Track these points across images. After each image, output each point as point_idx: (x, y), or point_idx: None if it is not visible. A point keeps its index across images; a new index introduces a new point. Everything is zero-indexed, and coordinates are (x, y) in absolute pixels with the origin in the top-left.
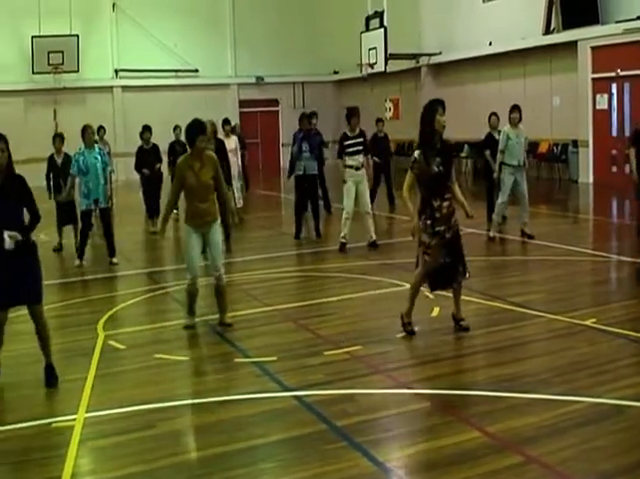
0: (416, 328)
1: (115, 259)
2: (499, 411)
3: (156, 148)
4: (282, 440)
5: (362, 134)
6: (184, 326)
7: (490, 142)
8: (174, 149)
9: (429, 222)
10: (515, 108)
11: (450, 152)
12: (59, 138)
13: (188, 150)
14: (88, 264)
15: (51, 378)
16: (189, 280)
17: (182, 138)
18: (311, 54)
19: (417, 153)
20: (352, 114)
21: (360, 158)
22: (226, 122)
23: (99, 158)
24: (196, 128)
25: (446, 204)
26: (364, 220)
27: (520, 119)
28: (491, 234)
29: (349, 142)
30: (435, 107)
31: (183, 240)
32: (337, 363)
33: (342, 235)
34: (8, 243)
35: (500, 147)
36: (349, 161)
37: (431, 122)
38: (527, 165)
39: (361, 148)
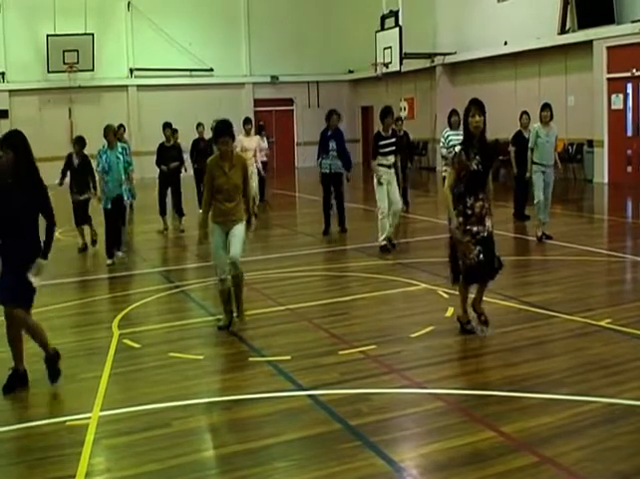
0: (470, 326)
1: (120, 253)
2: (514, 411)
3: (176, 146)
4: (297, 439)
5: (394, 134)
6: (218, 327)
7: (518, 140)
8: (197, 146)
9: (461, 218)
10: (547, 106)
11: (489, 153)
12: (78, 144)
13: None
14: (102, 263)
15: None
16: (220, 279)
17: (206, 135)
18: (326, 53)
19: (458, 148)
20: (385, 113)
21: (391, 158)
22: (246, 121)
23: (121, 158)
24: (220, 128)
25: (479, 203)
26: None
27: (552, 117)
28: (538, 233)
29: (383, 142)
30: (468, 108)
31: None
32: (351, 363)
33: (382, 237)
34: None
35: (530, 144)
36: (382, 160)
37: (464, 123)
38: (560, 164)
39: (393, 148)
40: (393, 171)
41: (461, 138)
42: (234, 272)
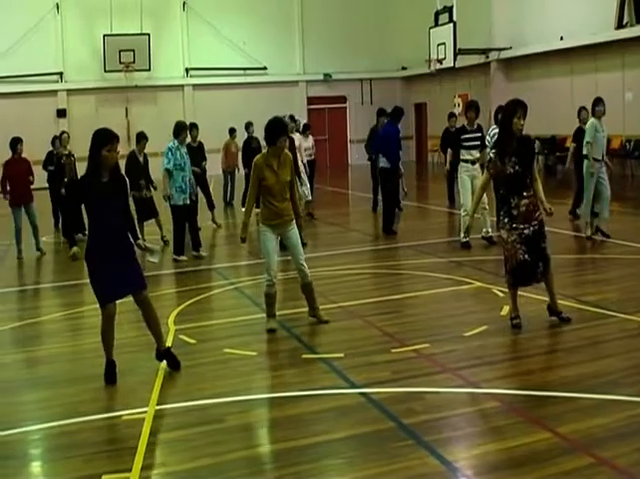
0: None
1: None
2: (570, 412)
3: (201, 146)
4: (348, 437)
5: (480, 128)
6: (267, 330)
7: (580, 136)
8: (249, 146)
9: (506, 219)
10: (600, 101)
11: (529, 150)
12: (144, 139)
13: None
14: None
15: (170, 363)
16: (268, 282)
17: (255, 134)
18: (379, 50)
19: (492, 153)
20: (468, 107)
21: (476, 152)
22: (291, 119)
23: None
24: (279, 127)
25: (524, 201)
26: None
27: (604, 112)
28: (588, 233)
29: (467, 135)
30: (514, 109)
31: (261, 241)
32: (404, 361)
33: (463, 234)
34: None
35: (588, 138)
36: (465, 155)
37: (508, 124)
38: (608, 160)
39: (478, 143)
40: (477, 166)
41: None
42: (306, 281)
